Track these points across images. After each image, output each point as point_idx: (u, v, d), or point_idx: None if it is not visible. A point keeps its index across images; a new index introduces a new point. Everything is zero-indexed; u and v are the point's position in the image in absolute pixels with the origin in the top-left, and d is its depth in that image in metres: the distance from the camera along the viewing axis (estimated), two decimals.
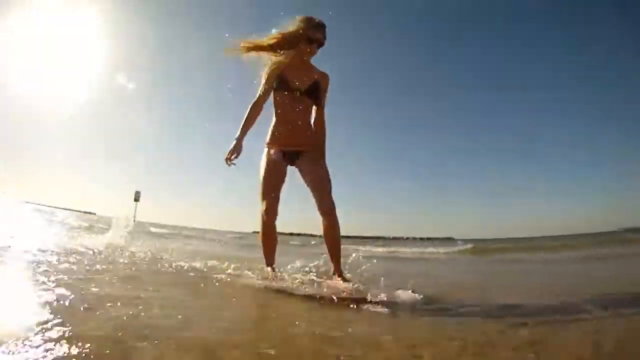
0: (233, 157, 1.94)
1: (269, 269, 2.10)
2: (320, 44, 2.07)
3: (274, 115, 2.11)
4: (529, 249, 9.30)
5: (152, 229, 11.75)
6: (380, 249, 9.49)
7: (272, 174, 2.07)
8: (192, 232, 15.71)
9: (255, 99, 2.04)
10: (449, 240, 15.56)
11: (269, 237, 2.11)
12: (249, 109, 2.02)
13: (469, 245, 9.44)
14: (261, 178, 2.06)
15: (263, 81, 2.05)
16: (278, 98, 2.07)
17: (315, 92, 2.09)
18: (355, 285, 1.77)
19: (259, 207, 2.05)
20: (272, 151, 2.10)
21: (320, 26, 2.04)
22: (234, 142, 1.96)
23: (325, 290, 1.71)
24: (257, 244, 2.21)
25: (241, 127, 1.99)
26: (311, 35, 2.01)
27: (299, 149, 2.09)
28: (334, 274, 1.99)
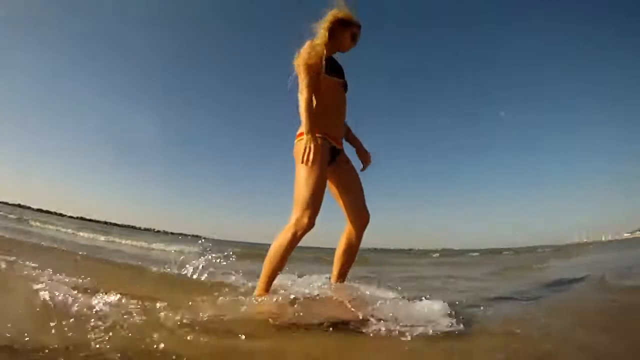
0: (314, 157, 1.58)
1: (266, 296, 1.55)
2: (355, 44, 1.85)
3: (321, 100, 1.74)
4: None
5: None
6: None
7: (324, 173, 1.65)
8: None
9: (307, 81, 1.65)
10: None
11: (289, 253, 1.59)
12: (305, 97, 1.63)
13: None
14: (316, 175, 1.59)
15: (308, 59, 1.66)
16: (330, 83, 1.74)
17: (346, 89, 1.85)
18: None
19: (298, 213, 1.56)
20: (323, 143, 1.68)
21: (360, 26, 1.82)
22: (312, 142, 1.58)
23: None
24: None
25: (308, 119, 1.61)
26: (356, 31, 1.81)
27: (340, 147, 1.81)
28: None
